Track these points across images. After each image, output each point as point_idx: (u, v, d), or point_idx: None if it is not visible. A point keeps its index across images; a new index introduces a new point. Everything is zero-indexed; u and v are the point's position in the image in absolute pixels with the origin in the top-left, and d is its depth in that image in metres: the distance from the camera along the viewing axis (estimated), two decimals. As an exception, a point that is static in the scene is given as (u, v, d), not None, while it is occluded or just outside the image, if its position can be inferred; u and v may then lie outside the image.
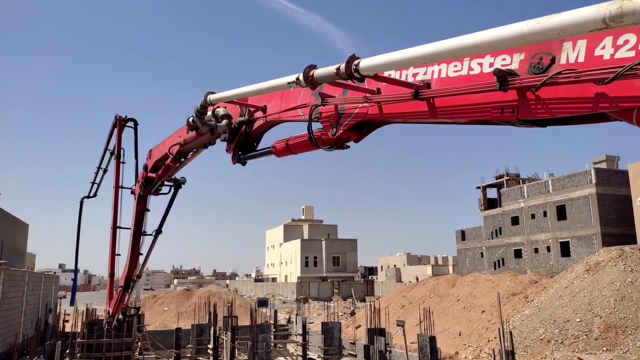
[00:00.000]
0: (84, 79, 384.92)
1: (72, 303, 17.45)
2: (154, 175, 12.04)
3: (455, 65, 4.20)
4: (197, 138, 8.57)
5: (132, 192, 13.17)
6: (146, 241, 13.17)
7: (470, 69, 4.09)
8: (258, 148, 7.42)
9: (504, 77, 3.67)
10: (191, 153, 9.93)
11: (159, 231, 13.01)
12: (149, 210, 12.99)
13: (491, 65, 3.91)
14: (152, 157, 11.80)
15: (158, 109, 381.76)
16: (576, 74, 3.31)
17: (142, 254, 13.15)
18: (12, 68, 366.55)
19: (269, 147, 6.85)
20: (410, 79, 4.57)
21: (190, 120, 7.94)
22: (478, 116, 4.11)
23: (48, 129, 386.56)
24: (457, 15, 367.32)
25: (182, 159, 10.20)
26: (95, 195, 14.54)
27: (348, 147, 5.72)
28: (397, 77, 4.69)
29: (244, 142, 7.35)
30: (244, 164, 7.49)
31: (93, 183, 14.45)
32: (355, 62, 4.22)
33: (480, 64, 4.01)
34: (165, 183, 12.33)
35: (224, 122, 7.20)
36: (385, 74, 4.63)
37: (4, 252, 24.79)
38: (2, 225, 25.71)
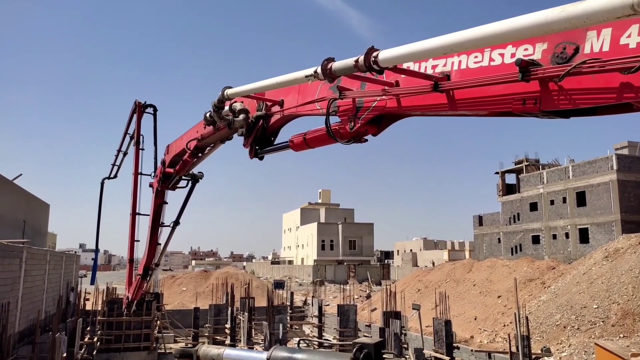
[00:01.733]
0: (106, 62, 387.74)
1: (92, 282, 17.84)
2: (171, 170, 12.16)
3: (476, 56, 4.10)
4: (215, 133, 8.56)
5: (150, 186, 13.36)
6: (164, 231, 13.45)
7: (491, 59, 3.99)
8: (275, 142, 7.38)
9: (526, 68, 3.58)
10: (208, 148, 9.96)
11: (176, 223, 13.28)
12: (167, 203, 13.25)
13: (513, 55, 3.81)
14: (169, 153, 11.92)
15: (178, 96, 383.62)
16: (601, 63, 3.23)
17: (160, 244, 13.41)
18: (35, 50, 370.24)
19: (287, 142, 6.81)
20: (429, 71, 4.48)
21: (208, 115, 7.93)
22: (499, 108, 4.02)
23: (70, 110, 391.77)
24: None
25: (200, 154, 10.24)
26: (115, 176, 14.80)
27: (366, 140, 5.66)
28: (416, 69, 4.60)
29: (261, 136, 7.31)
30: (261, 158, 7.46)
31: (113, 165, 14.69)
32: (374, 54, 4.15)
33: (502, 55, 3.91)
34: (183, 178, 12.47)
35: (241, 116, 7.18)
36: (404, 65, 4.53)
37: (26, 231, 25.30)
38: (24, 205, 26.20)
